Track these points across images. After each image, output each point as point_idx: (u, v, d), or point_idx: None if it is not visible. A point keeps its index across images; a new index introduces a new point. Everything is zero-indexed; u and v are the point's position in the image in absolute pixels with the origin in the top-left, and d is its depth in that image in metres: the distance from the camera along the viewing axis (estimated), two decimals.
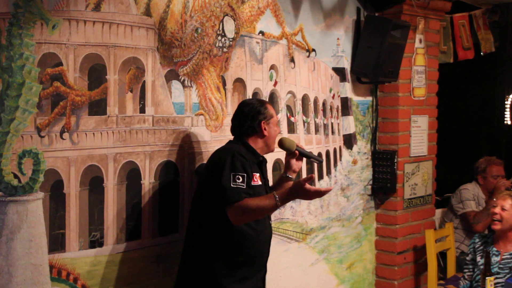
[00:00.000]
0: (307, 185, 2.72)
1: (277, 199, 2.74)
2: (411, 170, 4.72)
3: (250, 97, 3.72)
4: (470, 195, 5.01)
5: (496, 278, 3.61)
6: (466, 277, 3.95)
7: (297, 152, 3.19)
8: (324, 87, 4.31)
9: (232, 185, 2.77)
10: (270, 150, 3.13)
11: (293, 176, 3.25)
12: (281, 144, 3.18)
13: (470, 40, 5.46)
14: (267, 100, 3.83)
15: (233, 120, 3.12)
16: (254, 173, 2.89)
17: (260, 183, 2.92)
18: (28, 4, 2.66)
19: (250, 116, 3.03)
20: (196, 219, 2.98)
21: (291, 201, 3.96)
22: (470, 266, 3.94)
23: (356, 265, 4.61)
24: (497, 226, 3.80)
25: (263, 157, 3.08)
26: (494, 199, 3.93)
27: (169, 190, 3.29)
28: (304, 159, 3.32)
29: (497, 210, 3.78)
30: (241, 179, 2.79)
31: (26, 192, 2.69)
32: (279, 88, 3.94)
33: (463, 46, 5.42)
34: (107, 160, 3.00)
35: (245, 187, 2.80)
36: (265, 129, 3.03)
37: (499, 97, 6.82)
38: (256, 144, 3.05)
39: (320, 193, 2.78)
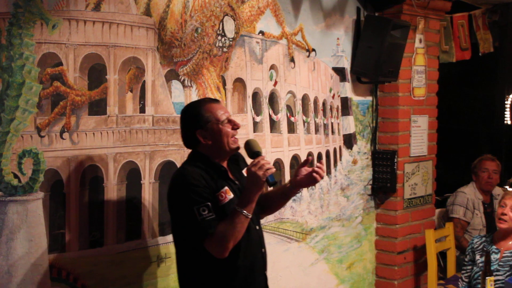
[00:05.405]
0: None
1: (240, 210, 2.50)
2: (411, 170, 4.72)
3: (250, 97, 3.73)
4: (464, 201, 5.00)
5: (496, 275, 3.68)
6: (464, 278, 3.97)
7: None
8: (324, 87, 4.30)
9: (199, 219, 2.51)
10: (226, 153, 2.70)
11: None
12: (247, 147, 2.70)
13: (468, 41, 5.46)
14: (267, 99, 3.83)
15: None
16: (221, 191, 2.60)
17: (230, 196, 2.62)
18: (28, 4, 2.66)
19: (186, 126, 2.72)
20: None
21: (291, 201, 4.01)
22: (468, 268, 3.96)
23: (356, 265, 4.61)
24: (503, 225, 3.85)
25: (223, 166, 2.69)
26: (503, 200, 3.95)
27: None
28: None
29: (506, 210, 3.84)
30: (206, 211, 2.51)
31: (26, 192, 2.68)
32: (279, 88, 3.93)
33: (460, 46, 5.42)
34: (107, 160, 3.00)
35: (214, 216, 2.52)
36: (205, 137, 2.64)
37: (499, 97, 6.80)
38: (209, 152, 2.67)
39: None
